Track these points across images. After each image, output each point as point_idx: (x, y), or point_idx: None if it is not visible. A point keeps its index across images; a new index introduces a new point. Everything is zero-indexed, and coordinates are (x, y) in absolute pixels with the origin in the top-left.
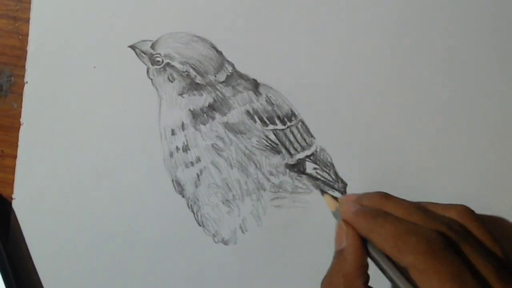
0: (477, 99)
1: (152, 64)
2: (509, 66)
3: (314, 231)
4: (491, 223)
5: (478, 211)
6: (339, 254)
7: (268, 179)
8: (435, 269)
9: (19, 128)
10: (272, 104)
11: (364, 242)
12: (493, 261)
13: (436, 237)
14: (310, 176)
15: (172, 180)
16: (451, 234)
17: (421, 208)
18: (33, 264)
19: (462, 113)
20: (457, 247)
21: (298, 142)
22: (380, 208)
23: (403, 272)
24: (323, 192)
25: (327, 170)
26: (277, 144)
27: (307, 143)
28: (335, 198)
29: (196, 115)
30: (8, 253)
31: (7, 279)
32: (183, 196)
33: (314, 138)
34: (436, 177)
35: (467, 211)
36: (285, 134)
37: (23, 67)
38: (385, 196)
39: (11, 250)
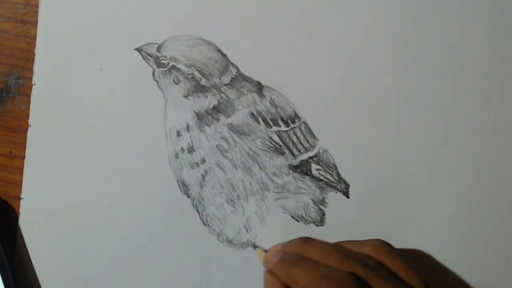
0: (479, 101)
1: (157, 67)
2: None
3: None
4: (410, 255)
5: (478, 213)
6: None
7: (272, 180)
8: None
9: (27, 129)
10: (276, 106)
11: None
12: None
13: (348, 279)
14: (313, 177)
15: (178, 181)
16: (365, 271)
17: (339, 248)
18: (39, 263)
19: (465, 114)
20: (371, 283)
21: (301, 144)
22: (300, 253)
23: None
24: (254, 247)
25: (330, 171)
26: (280, 146)
27: (310, 144)
28: (265, 251)
29: (201, 117)
30: (10, 256)
31: (7, 279)
32: (188, 196)
33: (317, 139)
34: (437, 178)
35: (381, 245)
36: (289, 136)
37: (31, 69)
38: (305, 241)
39: (17, 256)
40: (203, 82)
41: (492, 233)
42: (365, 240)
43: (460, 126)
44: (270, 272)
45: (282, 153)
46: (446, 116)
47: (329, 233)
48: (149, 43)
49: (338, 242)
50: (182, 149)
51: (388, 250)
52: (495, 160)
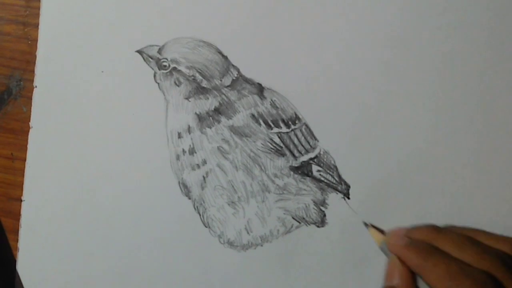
0: (480, 101)
1: (159, 69)
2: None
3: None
4: None
5: (479, 211)
6: None
7: (273, 181)
8: None
9: (28, 131)
10: (277, 107)
11: (414, 278)
12: None
13: (489, 280)
14: (314, 178)
15: (179, 182)
16: (504, 271)
17: (473, 241)
18: (40, 264)
19: (465, 115)
20: (508, 285)
21: (302, 145)
22: (431, 242)
23: None
24: (366, 224)
25: (330, 172)
26: (281, 147)
27: (311, 146)
28: (381, 231)
29: (202, 119)
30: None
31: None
32: (190, 198)
33: (318, 141)
34: (438, 179)
35: None
36: (290, 137)
37: (33, 71)
38: (436, 229)
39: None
40: (204, 84)
41: (494, 230)
42: (502, 236)
43: (460, 126)
44: (400, 260)
45: (283, 155)
46: (447, 116)
47: (329, 234)
48: (150, 45)
49: (470, 230)
50: (183, 151)
51: None
52: (495, 160)
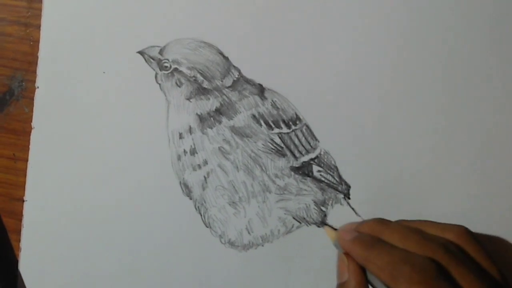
0: (480, 101)
1: (160, 70)
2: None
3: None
4: (490, 242)
5: (478, 213)
6: (341, 287)
7: (274, 182)
8: None
9: (30, 132)
10: (277, 108)
11: (364, 272)
12: (488, 281)
13: (430, 265)
14: (314, 178)
15: (180, 183)
16: (447, 258)
17: (418, 231)
18: (42, 264)
19: (465, 116)
20: (452, 272)
21: (303, 145)
22: (376, 235)
23: None
24: (322, 224)
25: (331, 173)
26: (282, 148)
27: (311, 146)
28: (335, 229)
29: (203, 119)
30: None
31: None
32: (191, 198)
33: (318, 141)
34: (438, 179)
35: (464, 232)
36: (290, 138)
37: (34, 72)
38: (381, 222)
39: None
40: (205, 84)
41: (493, 232)
42: (447, 224)
43: (460, 126)
44: (347, 255)
45: (284, 155)
46: (447, 117)
47: None
48: (152, 46)
49: (417, 221)
50: (185, 151)
51: (470, 238)
52: (496, 159)
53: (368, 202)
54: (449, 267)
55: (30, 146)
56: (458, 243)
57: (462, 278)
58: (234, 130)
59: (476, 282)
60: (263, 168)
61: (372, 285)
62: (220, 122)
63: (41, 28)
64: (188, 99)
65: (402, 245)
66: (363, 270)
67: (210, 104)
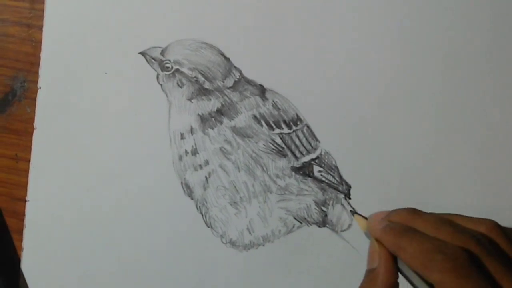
0: (480, 101)
1: (162, 70)
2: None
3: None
4: None
5: (479, 210)
6: (370, 273)
7: (275, 182)
8: (461, 287)
9: (32, 132)
10: (278, 109)
11: (394, 259)
12: None
13: (462, 254)
14: (315, 178)
15: (181, 183)
16: (479, 249)
17: (450, 222)
18: (44, 264)
19: (465, 117)
20: (484, 263)
21: (304, 146)
22: (408, 224)
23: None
24: (353, 212)
25: (331, 173)
26: (283, 148)
27: (312, 146)
28: (365, 218)
29: (204, 120)
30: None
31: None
32: (192, 198)
33: (319, 141)
34: (438, 179)
35: (495, 226)
36: (291, 138)
37: (37, 73)
38: (413, 211)
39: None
40: (207, 85)
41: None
42: (478, 218)
43: (461, 126)
44: (378, 242)
45: (285, 155)
46: (447, 117)
47: (331, 234)
48: (153, 47)
49: (447, 214)
50: (186, 152)
51: (501, 232)
52: (496, 159)
53: (369, 202)
54: (481, 258)
55: (32, 147)
56: (489, 236)
57: (493, 269)
58: (235, 130)
59: (507, 274)
60: (264, 168)
61: (402, 273)
62: (221, 123)
63: (43, 29)
64: (190, 99)
65: (434, 235)
66: (393, 258)
67: (211, 104)
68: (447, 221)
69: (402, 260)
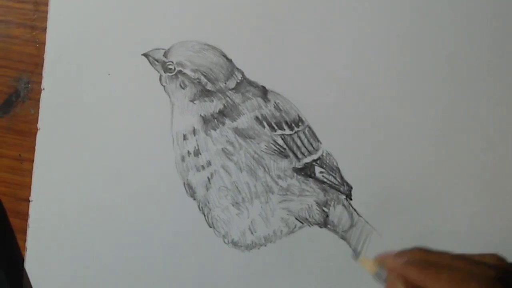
0: (481, 102)
1: (164, 72)
2: None
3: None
4: None
5: (479, 214)
6: None
7: (276, 182)
8: None
9: (36, 133)
10: (280, 110)
11: None
12: None
13: (494, 279)
14: (316, 179)
15: (184, 183)
16: (496, 274)
17: (462, 257)
18: (48, 264)
19: (466, 116)
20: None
21: (305, 147)
22: (426, 259)
23: None
24: (356, 257)
25: (333, 174)
26: (285, 149)
27: (313, 147)
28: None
29: (206, 121)
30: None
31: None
32: (195, 199)
33: (321, 143)
34: (439, 181)
35: (499, 258)
36: (293, 139)
37: (40, 74)
38: (426, 249)
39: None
40: (209, 86)
41: (495, 233)
42: (483, 253)
43: (462, 127)
44: (400, 277)
45: (287, 156)
46: (448, 118)
47: (332, 235)
48: (156, 49)
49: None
50: (189, 152)
51: (505, 260)
52: (498, 160)
53: (370, 203)
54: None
55: (36, 147)
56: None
57: None
58: (237, 131)
59: None
60: (266, 169)
61: None
62: (223, 124)
63: (47, 30)
64: (192, 101)
65: (455, 265)
66: None
67: (213, 106)
68: (459, 256)
69: None
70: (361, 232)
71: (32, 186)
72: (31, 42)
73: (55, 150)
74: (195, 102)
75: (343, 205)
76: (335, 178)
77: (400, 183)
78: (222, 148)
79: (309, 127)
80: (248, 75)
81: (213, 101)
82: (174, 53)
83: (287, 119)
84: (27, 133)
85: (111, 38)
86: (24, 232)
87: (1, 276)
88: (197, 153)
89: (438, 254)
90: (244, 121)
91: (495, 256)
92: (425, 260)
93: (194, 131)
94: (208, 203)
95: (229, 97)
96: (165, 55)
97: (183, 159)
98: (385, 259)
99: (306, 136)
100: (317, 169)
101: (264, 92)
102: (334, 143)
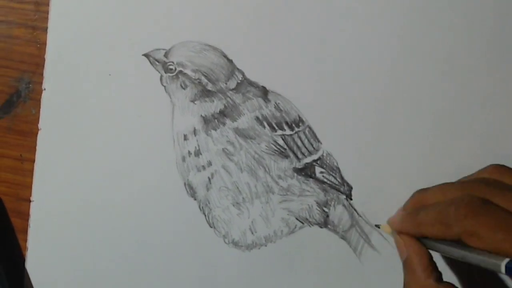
0: (481, 103)
1: (165, 72)
2: None
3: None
4: None
5: None
6: (405, 263)
7: (277, 183)
8: (482, 225)
9: (37, 133)
10: (281, 110)
11: (421, 242)
12: None
13: (472, 198)
14: (317, 179)
15: (185, 184)
16: (488, 190)
17: (454, 182)
18: (49, 264)
19: (466, 118)
20: (496, 200)
21: (306, 147)
22: (419, 204)
23: (461, 245)
24: (377, 225)
25: (333, 174)
26: (285, 149)
27: (314, 148)
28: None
29: (207, 121)
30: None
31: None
32: (195, 199)
33: (321, 143)
34: (440, 181)
35: (497, 167)
36: (293, 139)
37: (41, 74)
38: (420, 192)
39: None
40: (210, 87)
41: None
42: (481, 169)
43: (463, 128)
44: (399, 233)
45: (287, 156)
46: (449, 118)
47: (332, 235)
48: (157, 49)
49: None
50: (189, 153)
51: (505, 169)
52: (498, 161)
53: (370, 203)
54: (494, 199)
55: (37, 147)
56: (495, 177)
57: (506, 203)
58: (238, 131)
59: None
60: (267, 169)
61: (435, 250)
62: (224, 124)
63: (48, 31)
64: (193, 101)
65: (445, 197)
66: (419, 242)
67: (214, 106)
68: (451, 182)
69: (426, 235)
70: (361, 232)
71: (33, 186)
72: (32, 42)
73: (56, 150)
74: (195, 102)
75: (343, 205)
76: (335, 178)
77: (400, 183)
78: (222, 148)
79: (310, 127)
80: (249, 76)
81: (213, 101)
82: (175, 54)
83: (287, 119)
84: (28, 133)
85: (112, 39)
86: (25, 232)
87: (2, 275)
88: (197, 153)
89: (433, 190)
90: (245, 121)
91: (491, 168)
92: (416, 206)
93: (194, 131)
94: (209, 203)
95: (229, 98)
96: (165, 55)
97: (183, 159)
98: (389, 221)
99: (306, 136)
100: (318, 169)
101: (264, 93)
102: (334, 143)
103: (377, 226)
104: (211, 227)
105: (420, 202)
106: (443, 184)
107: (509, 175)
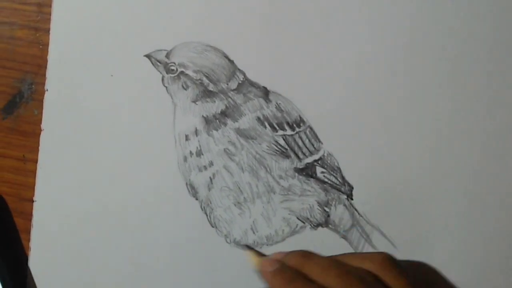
0: (482, 103)
1: (167, 73)
2: None
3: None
4: (414, 267)
5: (480, 214)
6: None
7: (278, 182)
8: None
9: (39, 134)
10: (282, 110)
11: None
12: None
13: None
14: (318, 179)
15: (186, 184)
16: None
17: (339, 264)
18: (51, 264)
19: (468, 117)
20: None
21: (307, 147)
22: (299, 268)
23: None
24: (248, 248)
25: (334, 174)
26: (286, 149)
27: (315, 148)
28: (262, 255)
29: (209, 121)
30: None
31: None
32: (197, 199)
33: (322, 143)
34: (440, 181)
35: (384, 259)
36: (294, 140)
37: (44, 75)
38: (305, 255)
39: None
40: (211, 87)
41: (495, 234)
42: (368, 254)
43: (463, 128)
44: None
45: (288, 157)
46: (450, 118)
47: (333, 234)
48: (159, 50)
49: (341, 255)
50: (191, 153)
51: (390, 265)
52: (499, 162)
53: (371, 203)
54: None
55: (39, 148)
56: (376, 272)
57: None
58: (239, 132)
59: None
60: (268, 169)
61: None
62: (225, 124)
63: (51, 32)
64: (194, 101)
65: (323, 279)
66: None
67: (215, 106)
68: (335, 263)
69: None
70: (362, 232)
71: (35, 187)
72: (35, 43)
73: (58, 151)
74: (197, 103)
75: (344, 205)
76: (336, 178)
77: (401, 183)
78: (224, 149)
79: (310, 128)
80: (250, 76)
81: (215, 102)
82: (177, 54)
83: (288, 119)
84: (31, 134)
85: (114, 40)
86: (28, 232)
87: (5, 275)
88: (199, 153)
89: (317, 262)
90: (246, 121)
91: (376, 258)
92: (295, 270)
93: (196, 132)
94: (210, 203)
95: (231, 98)
96: (167, 56)
97: (185, 159)
98: (263, 262)
99: (307, 137)
100: (318, 169)
101: (265, 93)
102: (335, 143)
103: (247, 246)
104: (212, 226)
105: (300, 266)
106: (328, 261)
107: (393, 272)
